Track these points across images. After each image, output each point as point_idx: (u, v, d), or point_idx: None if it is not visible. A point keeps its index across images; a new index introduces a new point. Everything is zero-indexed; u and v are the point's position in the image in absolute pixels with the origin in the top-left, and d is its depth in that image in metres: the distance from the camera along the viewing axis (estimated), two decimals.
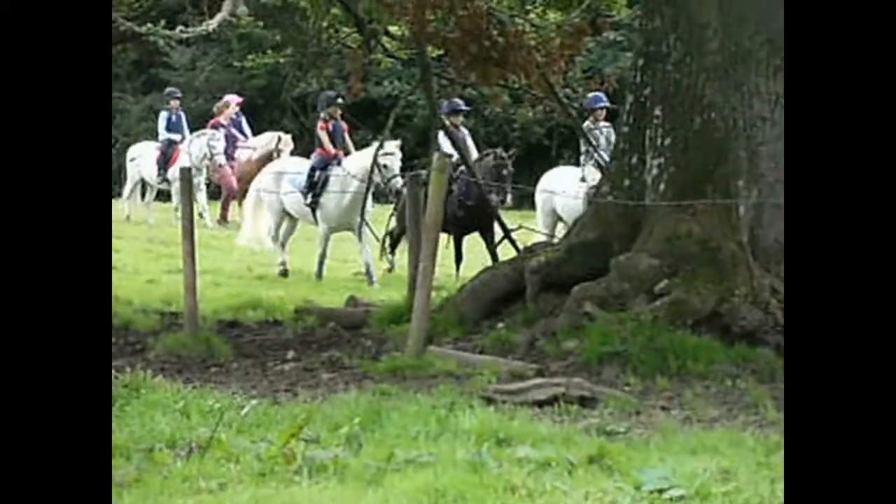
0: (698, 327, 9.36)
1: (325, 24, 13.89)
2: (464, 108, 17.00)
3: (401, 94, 23.00)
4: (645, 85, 10.37)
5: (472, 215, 15.58)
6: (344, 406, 7.41)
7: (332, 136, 16.71)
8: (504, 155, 16.24)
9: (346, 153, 16.68)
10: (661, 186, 10.05)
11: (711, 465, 5.96)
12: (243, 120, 24.04)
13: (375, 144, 15.70)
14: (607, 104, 16.57)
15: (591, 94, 16.59)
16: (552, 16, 14.25)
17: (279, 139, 22.74)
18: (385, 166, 15.72)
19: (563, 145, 28.85)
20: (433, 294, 10.27)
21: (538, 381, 8.30)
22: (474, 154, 16.26)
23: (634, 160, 10.37)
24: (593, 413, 7.62)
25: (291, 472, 5.90)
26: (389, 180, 15.92)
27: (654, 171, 10.12)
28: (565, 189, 16.65)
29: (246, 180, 20.17)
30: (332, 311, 12.06)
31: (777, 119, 10.01)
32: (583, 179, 16.28)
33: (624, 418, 7.60)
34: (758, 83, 10.10)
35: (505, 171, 15.86)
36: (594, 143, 15.58)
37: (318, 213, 16.10)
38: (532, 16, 14.07)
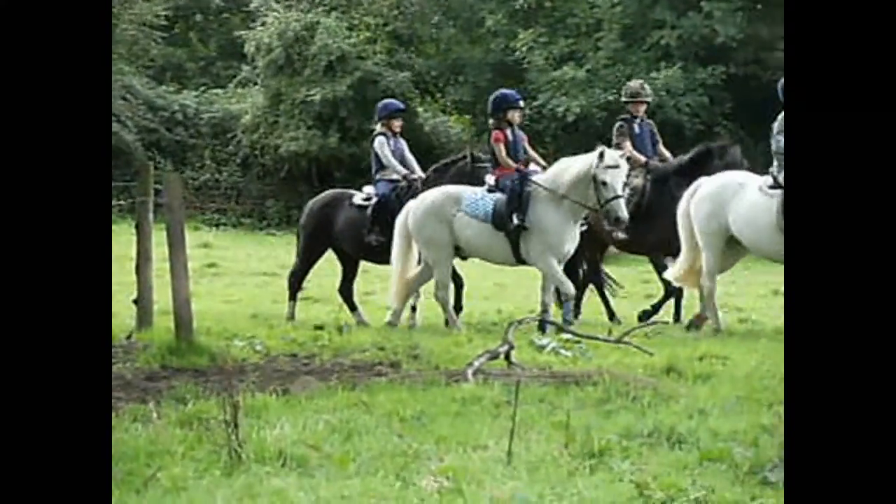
0: None
1: None
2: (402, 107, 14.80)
3: None
4: None
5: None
6: None
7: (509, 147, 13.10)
8: (481, 156, 13.77)
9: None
10: None
11: None
12: None
13: (595, 154, 12.49)
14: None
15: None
16: None
17: None
18: (604, 183, 12.36)
19: None
20: None
21: None
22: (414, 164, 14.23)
23: None
24: None
25: None
26: (608, 202, 12.40)
27: None
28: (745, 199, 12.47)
29: None
30: None
31: None
32: (776, 184, 12.14)
33: None
34: None
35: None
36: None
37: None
38: None
